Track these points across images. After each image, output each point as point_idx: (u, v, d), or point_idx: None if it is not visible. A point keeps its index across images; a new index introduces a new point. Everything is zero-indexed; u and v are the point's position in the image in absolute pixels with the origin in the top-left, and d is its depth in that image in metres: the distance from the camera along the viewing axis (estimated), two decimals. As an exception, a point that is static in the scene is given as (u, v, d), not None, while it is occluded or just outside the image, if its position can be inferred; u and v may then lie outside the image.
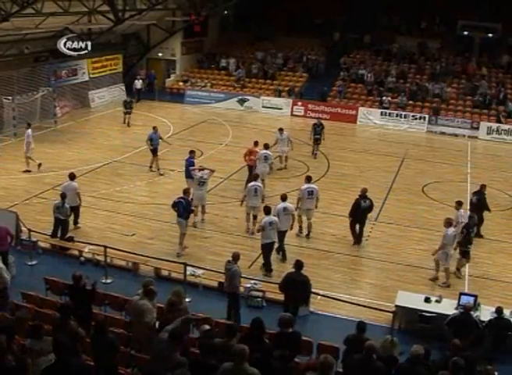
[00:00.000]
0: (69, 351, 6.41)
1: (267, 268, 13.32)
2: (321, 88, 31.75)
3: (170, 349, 7.04)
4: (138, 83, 30.71)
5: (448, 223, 13.30)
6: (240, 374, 6.34)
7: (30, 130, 19.58)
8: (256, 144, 18.72)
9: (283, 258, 13.93)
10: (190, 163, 16.66)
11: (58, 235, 14.08)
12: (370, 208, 15.14)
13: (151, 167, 19.99)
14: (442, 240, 13.26)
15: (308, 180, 15.54)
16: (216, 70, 34.83)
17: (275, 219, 13.15)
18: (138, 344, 8.43)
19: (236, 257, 10.89)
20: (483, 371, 7.63)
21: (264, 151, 18.19)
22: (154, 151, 19.92)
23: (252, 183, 15.51)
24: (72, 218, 14.76)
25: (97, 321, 7.98)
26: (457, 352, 7.73)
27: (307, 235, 15.45)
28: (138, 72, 33.61)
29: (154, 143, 19.84)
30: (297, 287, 10.57)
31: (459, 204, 14.69)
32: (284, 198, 14.08)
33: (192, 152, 17.15)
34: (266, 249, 13.25)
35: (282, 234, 13.81)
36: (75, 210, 14.92)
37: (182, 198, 13.91)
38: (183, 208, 13.81)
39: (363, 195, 15.03)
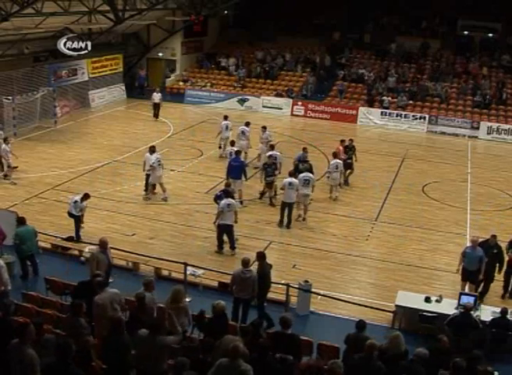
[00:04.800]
0: (70, 355, 6.40)
1: (219, 246, 14.22)
2: (322, 88, 31.90)
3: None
4: (156, 97, 27.39)
5: (333, 155, 18.16)
6: (234, 369, 6.57)
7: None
8: (342, 142, 19.56)
9: (287, 226, 15.80)
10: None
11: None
12: (310, 169, 17.16)
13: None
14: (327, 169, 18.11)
15: (272, 148, 18.41)
16: (216, 70, 34.87)
17: (233, 201, 14.25)
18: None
19: (247, 263, 10.57)
20: (482, 371, 7.62)
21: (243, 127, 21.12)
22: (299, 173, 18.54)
23: (229, 148, 18.94)
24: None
25: (114, 320, 7.86)
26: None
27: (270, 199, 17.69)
28: (138, 72, 33.63)
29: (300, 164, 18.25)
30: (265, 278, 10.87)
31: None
32: (291, 174, 15.98)
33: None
34: (221, 229, 14.12)
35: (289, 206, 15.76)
36: (148, 177, 17.47)
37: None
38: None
39: (303, 160, 17.75)
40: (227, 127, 21.86)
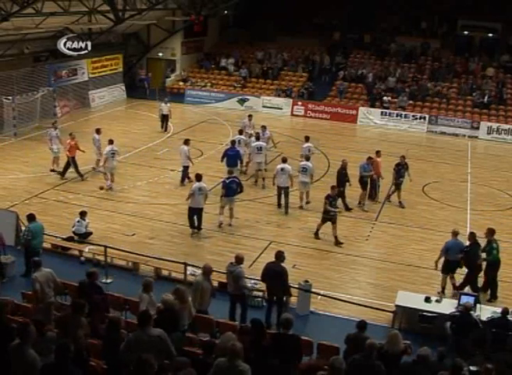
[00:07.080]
0: (68, 355, 6.38)
1: (191, 225, 15.00)
2: (321, 88, 31.88)
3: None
4: (165, 108, 25.08)
5: (305, 138, 19.38)
6: (232, 369, 6.53)
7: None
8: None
9: (286, 212, 16.75)
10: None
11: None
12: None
13: (359, 203, 17.61)
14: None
15: (257, 138, 19.15)
16: (216, 70, 34.86)
17: (204, 185, 14.81)
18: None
19: (239, 259, 10.73)
20: (482, 370, 7.60)
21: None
22: (366, 184, 17.57)
23: (237, 136, 19.63)
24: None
25: (111, 320, 7.88)
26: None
27: (262, 185, 18.70)
28: (138, 72, 33.62)
29: (365, 174, 17.47)
30: (275, 277, 10.82)
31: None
32: (284, 160, 16.79)
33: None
34: (191, 212, 14.86)
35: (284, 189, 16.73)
36: (185, 169, 18.58)
37: (235, 177, 15.64)
38: (237, 185, 15.44)
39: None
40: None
